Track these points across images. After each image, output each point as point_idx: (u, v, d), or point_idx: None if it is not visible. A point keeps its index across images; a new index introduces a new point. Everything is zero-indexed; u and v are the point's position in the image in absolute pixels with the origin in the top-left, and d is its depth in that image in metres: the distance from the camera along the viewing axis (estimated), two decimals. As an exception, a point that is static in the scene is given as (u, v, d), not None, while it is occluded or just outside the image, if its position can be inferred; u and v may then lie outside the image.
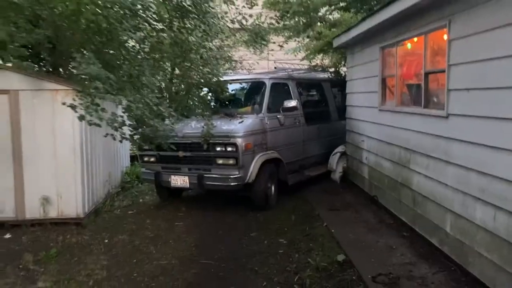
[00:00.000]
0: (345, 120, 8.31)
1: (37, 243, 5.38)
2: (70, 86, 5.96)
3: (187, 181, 6.49)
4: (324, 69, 10.24)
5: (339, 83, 9.02)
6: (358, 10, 8.80)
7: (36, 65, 6.49)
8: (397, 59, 5.69)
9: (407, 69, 5.51)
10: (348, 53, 8.18)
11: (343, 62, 9.60)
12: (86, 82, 5.35)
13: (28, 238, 5.55)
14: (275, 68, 9.60)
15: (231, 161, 6.21)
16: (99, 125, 5.20)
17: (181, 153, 6.50)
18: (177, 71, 7.90)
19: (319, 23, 9.20)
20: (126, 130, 5.78)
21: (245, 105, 7.47)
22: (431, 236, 4.63)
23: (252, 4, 7.98)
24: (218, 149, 6.26)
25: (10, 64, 5.92)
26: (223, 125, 6.46)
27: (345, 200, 6.97)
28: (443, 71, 4.21)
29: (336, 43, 8.01)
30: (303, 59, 10.18)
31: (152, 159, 6.94)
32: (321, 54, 9.98)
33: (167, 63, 7.68)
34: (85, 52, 5.61)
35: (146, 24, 6.62)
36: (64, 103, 5.39)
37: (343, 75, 9.32)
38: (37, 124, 5.92)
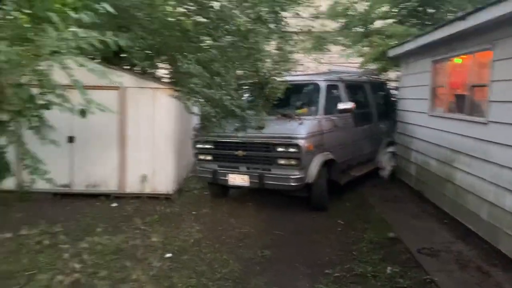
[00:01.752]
0: (383, 122, 9.09)
1: (139, 211, 6.67)
2: (166, 85, 7.26)
3: (247, 179, 6.69)
4: (375, 74, 11.13)
5: (378, 85, 9.70)
6: (412, 24, 9.66)
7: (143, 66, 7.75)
8: (447, 72, 6.58)
9: (455, 81, 6.40)
10: (402, 63, 9.07)
11: (394, 70, 10.52)
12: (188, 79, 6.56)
13: (131, 208, 6.85)
14: (329, 70, 9.85)
15: (292, 162, 6.37)
16: (197, 114, 6.49)
17: (240, 152, 6.71)
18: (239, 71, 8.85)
19: (376, 35, 10.10)
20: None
21: (299, 107, 7.48)
22: (468, 222, 5.53)
23: (317, 17, 8.97)
24: (280, 149, 6.43)
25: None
26: (283, 126, 6.64)
27: (394, 194, 7.88)
28: (486, 85, 5.11)
29: (391, 53, 8.92)
30: (359, 67, 11.11)
31: (208, 157, 7.11)
32: (375, 62, 10.87)
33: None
34: (184, 54, 6.87)
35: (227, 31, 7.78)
36: (171, 95, 6.75)
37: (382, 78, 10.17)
38: (139, 115, 7.23)
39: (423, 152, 7.38)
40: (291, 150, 6.38)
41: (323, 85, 7.37)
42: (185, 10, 7.55)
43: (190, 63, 6.39)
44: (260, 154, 6.60)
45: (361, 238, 5.57)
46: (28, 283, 4.12)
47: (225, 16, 7.36)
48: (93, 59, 6.71)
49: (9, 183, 7.11)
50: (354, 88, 8.46)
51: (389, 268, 4.59)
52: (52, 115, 4.81)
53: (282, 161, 6.45)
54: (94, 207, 6.86)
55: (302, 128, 6.49)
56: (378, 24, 10.76)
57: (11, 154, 7.08)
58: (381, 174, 9.25)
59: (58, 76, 4.13)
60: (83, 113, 4.19)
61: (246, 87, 7.88)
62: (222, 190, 7.57)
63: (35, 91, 4.23)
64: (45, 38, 4.09)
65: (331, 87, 7.56)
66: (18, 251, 4.92)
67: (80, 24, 4.62)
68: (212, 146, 7.02)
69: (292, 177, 6.37)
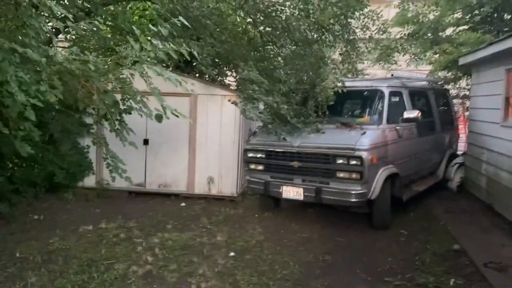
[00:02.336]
0: (446, 132, 8.70)
1: (206, 211, 7.02)
2: (234, 93, 7.60)
3: (301, 193, 6.23)
4: (437, 81, 10.79)
5: (441, 93, 9.13)
6: (485, 31, 9.31)
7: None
8: (522, 81, 6.32)
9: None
10: (473, 71, 8.77)
11: (464, 79, 10.18)
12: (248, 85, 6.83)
13: (198, 207, 7.24)
14: (392, 75, 8.93)
15: (354, 175, 5.87)
16: (252, 119, 6.72)
17: (296, 163, 6.26)
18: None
19: (446, 42, 9.84)
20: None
21: (358, 114, 7.10)
22: (542, 238, 5.28)
23: (384, 31, 8.93)
24: (340, 161, 5.92)
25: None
26: (343, 136, 6.19)
27: (461, 206, 7.62)
28: None
29: (462, 61, 8.66)
30: (428, 75, 10.86)
31: (259, 167, 6.72)
32: (445, 70, 10.58)
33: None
34: (248, 62, 7.18)
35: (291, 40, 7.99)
36: (229, 101, 7.04)
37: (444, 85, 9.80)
38: (208, 120, 7.63)
39: (494, 164, 7.10)
40: (353, 162, 5.84)
41: (386, 91, 6.82)
42: (251, 20, 7.88)
43: (251, 70, 6.67)
44: (318, 165, 6.14)
45: (424, 249, 5.49)
46: (107, 271, 4.54)
47: (291, 26, 7.58)
48: (167, 66, 7.24)
49: (90, 181, 7.82)
50: (417, 96, 7.94)
51: (452, 280, 4.52)
52: (129, 119, 5.29)
53: (342, 174, 5.94)
54: (165, 205, 7.33)
55: (364, 139, 5.97)
56: (449, 31, 10.45)
57: (92, 154, 7.84)
58: (449, 186, 8.97)
59: (138, 83, 4.55)
60: (159, 118, 4.54)
61: (299, 93, 7.40)
62: (273, 202, 7.20)
63: (118, 97, 4.68)
64: (128, 49, 4.51)
65: (394, 94, 7.00)
66: (98, 242, 5.41)
67: (156, 34, 5.06)
68: (264, 156, 6.64)
69: (353, 192, 5.88)
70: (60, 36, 7.71)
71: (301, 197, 6.24)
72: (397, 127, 6.64)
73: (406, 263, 5.07)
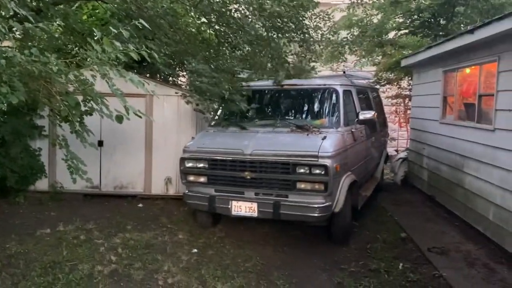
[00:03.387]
0: (382, 131, 8.73)
1: (165, 211, 7.08)
2: (188, 92, 7.69)
3: (255, 208, 5.37)
4: (389, 81, 11.49)
5: (375, 91, 8.95)
6: (424, 35, 10.03)
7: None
8: (457, 81, 6.91)
9: (464, 91, 6.73)
10: (414, 72, 9.41)
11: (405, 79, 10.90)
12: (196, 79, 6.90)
13: (156, 208, 7.27)
14: (344, 72, 8.26)
15: (317, 186, 5.14)
16: (202, 112, 6.88)
17: (248, 174, 5.37)
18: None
19: (389, 45, 10.48)
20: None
21: (313, 116, 6.27)
22: (477, 224, 5.83)
23: (335, 32, 9.39)
24: (301, 171, 5.16)
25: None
26: (302, 141, 5.44)
27: (406, 199, 8.18)
28: (493, 95, 5.44)
29: (404, 63, 9.26)
30: (374, 77, 11.49)
31: (201, 179, 5.73)
32: (389, 71, 11.24)
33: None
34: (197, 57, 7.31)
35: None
36: (185, 100, 7.11)
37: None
38: (165, 121, 7.68)
39: (435, 158, 7.69)
40: (316, 171, 5.12)
41: (340, 90, 6.20)
42: (205, 20, 8.04)
43: (200, 63, 6.78)
44: (275, 176, 5.31)
45: (375, 238, 5.90)
46: (71, 271, 4.54)
47: (245, 25, 7.81)
48: (116, 66, 7.25)
49: (42, 185, 7.64)
50: (361, 94, 7.37)
51: (401, 264, 4.94)
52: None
53: (303, 185, 5.20)
54: (122, 207, 7.31)
55: (327, 144, 5.25)
56: (391, 34, 11.13)
57: (44, 157, 7.66)
58: (393, 179, 9.57)
59: (97, 85, 4.59)
60: (119, 119, 4.58)
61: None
62: (212, 218, 6.19)
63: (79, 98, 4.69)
64: (88, 51, 4.53)
65: (346, 93, 6.40)
66: (58, 245, 5.36)
67: (116, 36, 5.11)
68: (207, 165, 5.69)
69: (317, 206, 5.15)
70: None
71: (255, 214, 5.41)
72: (352, 130, 6.14)
73: (359, 251, 5.44)
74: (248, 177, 5.41)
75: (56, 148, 7.15)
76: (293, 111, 6.55)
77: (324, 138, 5.38)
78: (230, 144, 5.70)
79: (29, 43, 7.94)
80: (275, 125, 6.00)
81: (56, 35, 8.41)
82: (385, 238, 5.84)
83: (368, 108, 7.22)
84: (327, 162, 5.09)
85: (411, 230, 6.12)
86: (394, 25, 10.84)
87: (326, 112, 6.21)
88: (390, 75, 11.66)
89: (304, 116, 6.37)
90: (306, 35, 8.33)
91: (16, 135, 7.20)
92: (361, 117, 6.33)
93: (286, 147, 5.37)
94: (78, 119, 4.94)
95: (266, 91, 6.82)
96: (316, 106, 6.44)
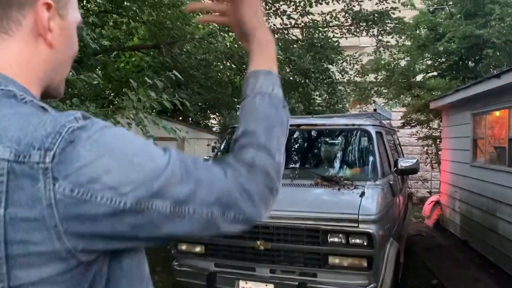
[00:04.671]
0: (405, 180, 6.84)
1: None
2: (218, 136, 7.99)
3: None
4: (420, 123, 11.46)
5: (394, 133, 7.52)
6: (453, 77, 10.07)
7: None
8: (486, 124, 6.89)
9: (494, 134, 6.69)
10: (443, 114, 9.39)
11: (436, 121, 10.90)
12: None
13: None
14: (374, 110, 6.73)
15: (357, 262, 3.78)
16: None
17: (261, 244, 3.92)
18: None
19: (418, 88, 10.55)
20: None
21: (343, 165, 5.00)
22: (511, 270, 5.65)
23: (364, 75, 9.62)
24: (335, 240, 3.83)
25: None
26: (335, 200, 4.11)
27: (439, 243, 8.00)
28: (522, 139, 5.41)
29: (433, 105, 9.28)
30: (402, 117, 11.53)
31: (197, 249, 4.27)
32: (418, 113, 11.26)
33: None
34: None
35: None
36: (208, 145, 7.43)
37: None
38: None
39: (467, 202, 7.55)
40: (356, 241, 3.76)
41: (373, 131, 4.87)
42: (236, 67, 8.43)
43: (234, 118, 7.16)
44: (298, 247, 3.92)
45: (405, 285, 5.79)
46: None
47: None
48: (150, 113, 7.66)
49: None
50: (388, 137, 6.14)
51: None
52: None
53: (337, 260, 3.85)
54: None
55: (369, 204, 3.91)
56: (419, 77, 11.23)
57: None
58: (426, 222, 9.39)
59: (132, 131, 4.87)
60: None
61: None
62: None
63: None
64: (125, 100, 4.86)
65: (378, 135, 5.07)
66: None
67: (151, 86, 5.46)
68: None
69: None
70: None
71: None
72: (390, 182, 4.77)
73: (389, 298, 5.35)
74: (262, 247, 3.93)
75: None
76: (315, 158, 5.26)
77: (363, 194, 3.98)
78: None
79: (70, 91, 8.56)
80: (293, 176, 4.54)
81: (95, 82, 9.00)
82: (416, 285, 5.72)
83: (396, 154, 6.25)
84: (371, 228, 3.68)
85: (443, 277, 5.97)
86: (422, 67, 10.94)
87: (358, 160, 4.97)
88: (420, 117, 11.64)
89: (329, 164, 5.06)
90: (330, 79, 8.60)
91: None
92: (401, 165, 4.94)
93: (312, 207, 4.02)
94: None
95: None
96: (344, 152, 5.14)
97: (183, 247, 4.37)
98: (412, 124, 11.94)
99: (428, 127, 11.72)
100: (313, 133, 5.32)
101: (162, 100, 4.87)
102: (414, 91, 10.64)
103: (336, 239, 3.82)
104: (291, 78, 8.57)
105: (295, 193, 4.25)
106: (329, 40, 8.50)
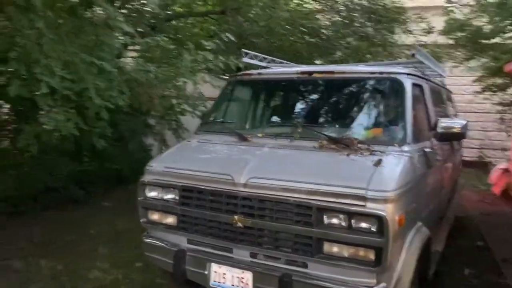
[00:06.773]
0: (458, 151, 6.05)
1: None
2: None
3: (249, 282, 3.12)
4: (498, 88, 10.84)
5: (448, 92, 6.28)
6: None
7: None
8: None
9: None
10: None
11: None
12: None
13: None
14: (412, 55, 4.26)
15: (362, 253, 2.82)
16: None
17: (239, 219, 3.12)
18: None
19: (492, 50, 9.99)
20: None
21: (360, 123, 3.74)
22: None
23: (429, 32, 9.34)
24: (333, 221, 2.88)
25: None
26: (338, 168, 3.14)
27: (500, 209, 7.78)
28: None
29: (507, 67, 8.77)
30: (475, 81, 11.00)
31: (168, 220, 3.54)
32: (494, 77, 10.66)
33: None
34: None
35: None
36: None
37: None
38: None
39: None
40: (362, 225, 2.81)
41: (407, 83, 3.71)
42: (298, 34, 8.64)
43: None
44: (285, 227, 3.00)
45: (450, 244, 5.88)
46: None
47: (336, 36, 8.26)
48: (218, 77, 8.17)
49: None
50: (435, 96, 4.71)
51: (467, 270, 4.93)
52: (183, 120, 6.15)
53: (335, 248, 2.89)
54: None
55: (385, 176, 2.95)
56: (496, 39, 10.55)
57: (154, 152, 8.86)
58: (492, 190, 9.08)
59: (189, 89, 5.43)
60: (207, 118, 5.35)
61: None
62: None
63: (174, 101, 5.57)
64: (182, 62, 5.38)
65: (415, 89, 3.87)
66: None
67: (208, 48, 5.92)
68: (177, 197, 3.45)
69: None
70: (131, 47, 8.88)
71: None
72: (426, 149, 3.64)
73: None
74: (240, 224, 3.12)
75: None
76: (325, 115, 4.08)
77: (379, 162, 3.04)
78: (216, 165, 3.43)
79: (146, 55, 9.36)
80: (295, 135, 3.61)
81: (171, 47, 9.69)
82: (460, 244, 5.78)
83: (445, 115, 5.11)
84: (384, 209, 2.72)
85: (491, 239, 5.97)
86: (500, 28, 10.21)
87: (382, 118, 3.78)
88: (498, 81, 11.00)
89: (342, 122, 3.83)
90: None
91: (132, 133, 8.48)
92: (441, 128, 3.78)
93: (307, 176, 3.03)
94: (175, 119, 5.87)
95: (285, 83, 4.43)
96: (364, 108, 3.88)
97: (154, 216, 3.64)
98: (493, 89, 11.28)
99: (504, 93, 11.03)
100: (327, 83, 4.15)
101: (218, 62, 5.35)
102: (490, 53, 10.05)
103: (334, 221, 2.88)
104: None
105: (290, 158, 3.39)
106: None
